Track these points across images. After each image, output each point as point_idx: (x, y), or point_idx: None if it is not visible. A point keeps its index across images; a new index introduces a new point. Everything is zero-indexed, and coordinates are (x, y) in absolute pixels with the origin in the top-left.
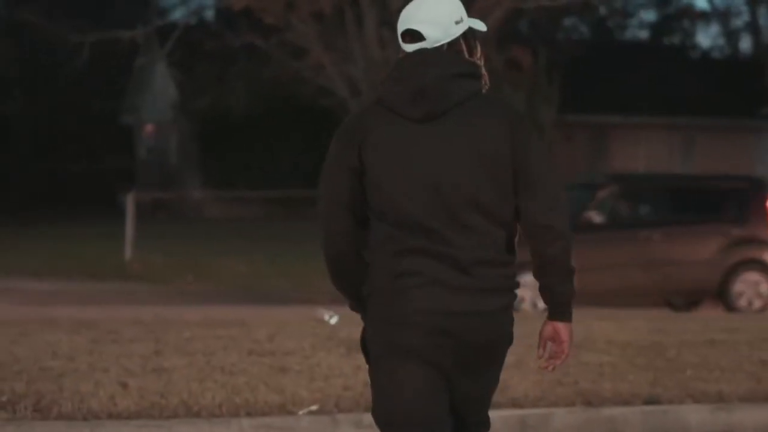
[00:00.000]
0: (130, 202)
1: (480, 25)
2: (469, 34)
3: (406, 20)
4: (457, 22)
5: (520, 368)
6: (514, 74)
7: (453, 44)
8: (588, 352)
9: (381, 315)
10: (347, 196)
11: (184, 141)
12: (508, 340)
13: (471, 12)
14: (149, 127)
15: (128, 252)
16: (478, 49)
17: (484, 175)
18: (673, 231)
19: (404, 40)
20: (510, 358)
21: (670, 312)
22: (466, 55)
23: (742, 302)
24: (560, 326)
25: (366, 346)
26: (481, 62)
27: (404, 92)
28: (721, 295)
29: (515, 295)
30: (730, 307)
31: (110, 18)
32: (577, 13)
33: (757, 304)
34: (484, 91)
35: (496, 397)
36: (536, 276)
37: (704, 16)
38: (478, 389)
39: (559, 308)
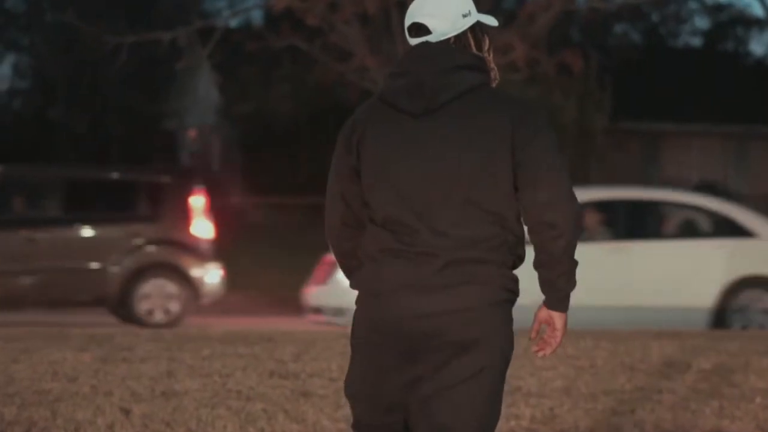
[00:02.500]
0: None
1: (491, 21)
2: (477, 28)
3: (413, 13)
4: (464, 15)
5: (569, 394)
6: (565, 80)
7: (460, 38)
8: (645, 375)
9: (363, 315)
10: (349, 194)
11: (227, 146)
12: (496, 340)
13: (520, 15)
14: (192, 132)
15: None
16: (487, 43)
17: (480, 171)
18: (64, 231)
19: (410, 34)
20: (557, 382)
21: (737, 329)
22: (474, 49)
23: (147, 313)
24: (555, 315)
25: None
26: (489, 56)
27: (404, 86)
28: (123, 305)
29: (508, 294)
30: (132, 318)
31: (156, 22)
32: (628, 20)
33: (162, 316)
34: (492, 85)
35: (543, 427)
36: (536, 268)
37: (758, 23)
38: (456, 398)
39: (557, 300)
